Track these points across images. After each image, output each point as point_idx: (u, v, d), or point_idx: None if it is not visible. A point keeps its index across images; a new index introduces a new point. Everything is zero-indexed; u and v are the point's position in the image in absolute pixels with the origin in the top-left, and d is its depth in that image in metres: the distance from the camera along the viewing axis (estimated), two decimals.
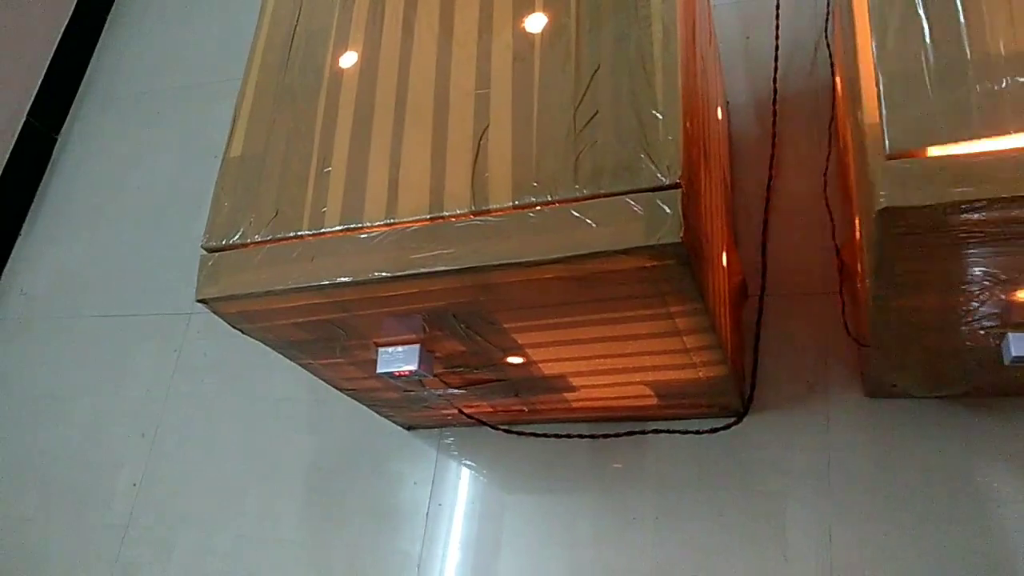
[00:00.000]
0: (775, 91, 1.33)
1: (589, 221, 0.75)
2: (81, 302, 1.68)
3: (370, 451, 1.31)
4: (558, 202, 0.78)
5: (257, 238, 0.88)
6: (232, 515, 1.35)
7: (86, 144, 1.91)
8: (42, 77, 1.91)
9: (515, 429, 1.22)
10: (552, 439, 1.21)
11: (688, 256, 0.75)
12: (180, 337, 1.55)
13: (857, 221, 0.92)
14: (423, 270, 0.80)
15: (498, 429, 1.21)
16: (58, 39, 1.97)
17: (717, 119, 1.12)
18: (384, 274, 0.81)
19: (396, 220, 0.83)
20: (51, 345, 1.65)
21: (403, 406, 1.18)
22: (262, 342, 0.97)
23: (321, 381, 1.35)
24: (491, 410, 1.17)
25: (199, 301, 0.88)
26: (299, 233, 0.86)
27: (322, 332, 0.93)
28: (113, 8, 2.11)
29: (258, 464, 1.38)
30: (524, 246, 0.77)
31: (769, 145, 1.30)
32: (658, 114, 0.78)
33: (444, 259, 0.80)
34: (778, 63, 1.35)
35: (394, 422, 1.28)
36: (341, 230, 0.85)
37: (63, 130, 1.95)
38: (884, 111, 0.70)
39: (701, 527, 1.10)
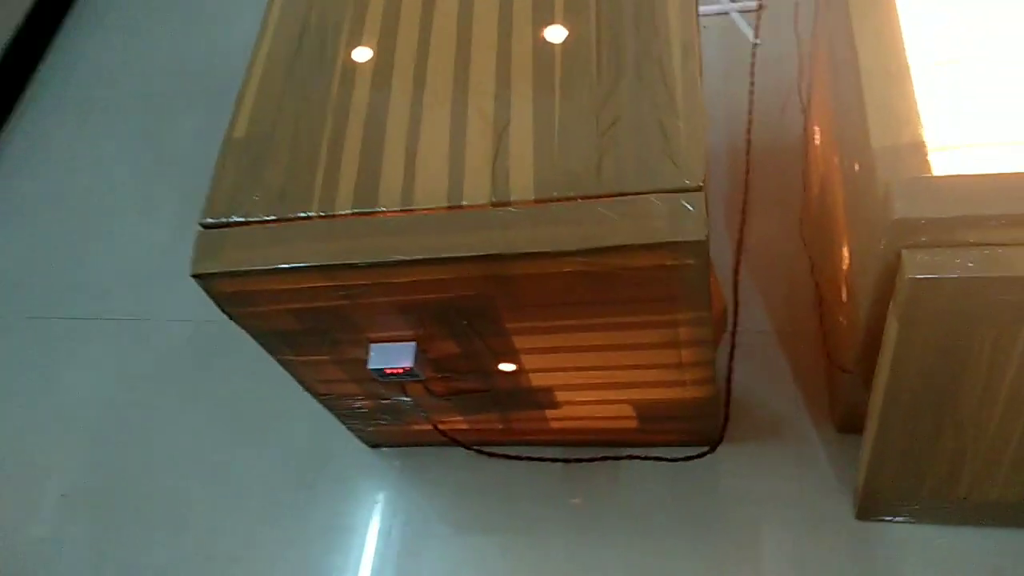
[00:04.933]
0: (748, 142, 1.40)
1: (613, 216, 0.77)
2: (15, 302, 1.57)
3: (330, 468, 1.25)
4: (581, 198, 0.79)
5: (262, 217, 0.85)
6: (175, 529, 1.26)
7: (29, 145, 1.83)
8: None
9: (487, 450, 1.19)
10: (524, 462, 1.19)
11: (707, 257, 0.76)
12: (123, 342, 1.47)
13: (846, 252, 0.96)
14: (440, 255, 0.79)
15: (470, 449, 1.18)
16: (10, 38, 1.90)
17: None
18: (400, 258, 0.79)
19: (413, 207, 0.82)
20: None
21: (375, 418, 1.14)
22: (248, 329, 0.93)
23: (277, 394, 1.31)
24: (466, 427, 1.15)
25: (194, 276, 0.84)
26: (308, 214, 0.84)
27: (316, 322, 0.90)
28: (71, 11, 2.06)
29: (204, 477, 1.30)
30: (545, 237, 0.78)
31: (742, 190, 1.36)
32: (680, 124, 0.81)
33: (462, 246, 0.79)
34: (751, 116, 1.42)
35: (359, 437, 1.23)
36: (354, 213, 0.83)
37: (6, 129, 1.86)
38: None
39: (675, 556, 1.09)
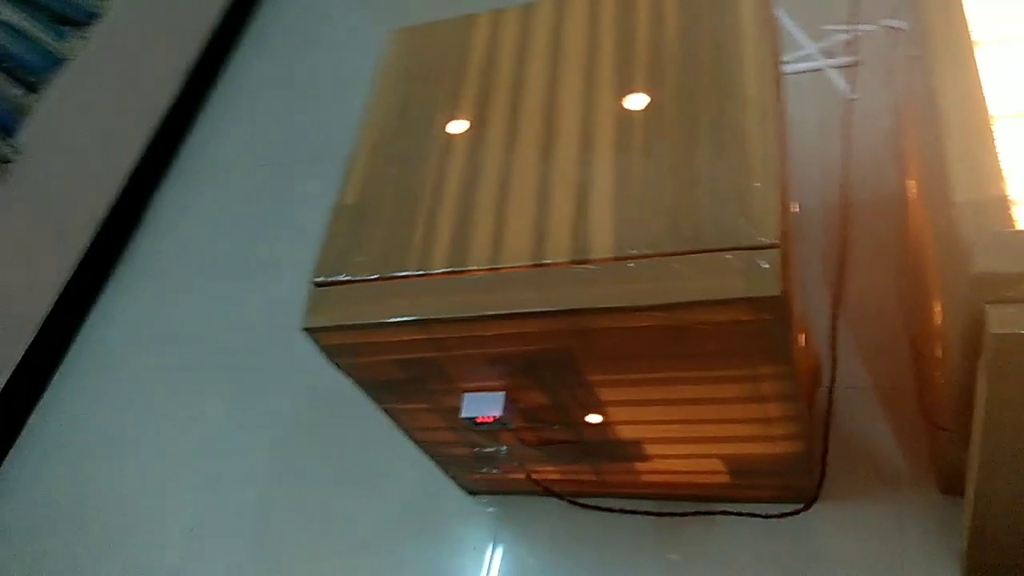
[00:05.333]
0: (845, 197, 1.39)
1: (688, 272, 0.80)
2: (146, 355, 1.75)
3: (431, 514, 1.31)
4: (658, 256, 0.83)
5: (365, 276, 0.94)
6: (282, 571, 1.35)
7: (176, 210, 2.04)
8: (144, 146, 2.07)
9: (580, 501, 1.22)
10: (617, 514, 1.20)
11: (784, 312, 0.78)
12: (242, 393, 1.59)
13: (937, 307, 0.95)
14: (523, 310, 0.84)
15: (563, 499, 1.21)
16: (166, 107, 2.13)
17: (792, 212, 1.18)
18: (488, 312, 0.85)
19: (500, 265, 0.88)
20: (122, 390, 1.71)
21: (470, 465, 1.19)
22: (354, 379, 1.01)
23: (382, 443, 1.39)
24: (559, 477, 1.18)
25: (304, 330, 0.93)
26: (406, 273, 0.92)
27: (414, 373, 0.97)
28: (217, 86, 2.29)
29: (312, 519, 1.39)
30: (622, 293, 0.82)
31: (840, 246, 1.35)
32: (755, 185, 0.84)
33: (544, 301, 0.84)
34: (847, 171, 1.42)
35: (459, 484, 1.28)
36: (447, 272, 0.90)
37: (157, 193, 2.09)
38: None
39: None
